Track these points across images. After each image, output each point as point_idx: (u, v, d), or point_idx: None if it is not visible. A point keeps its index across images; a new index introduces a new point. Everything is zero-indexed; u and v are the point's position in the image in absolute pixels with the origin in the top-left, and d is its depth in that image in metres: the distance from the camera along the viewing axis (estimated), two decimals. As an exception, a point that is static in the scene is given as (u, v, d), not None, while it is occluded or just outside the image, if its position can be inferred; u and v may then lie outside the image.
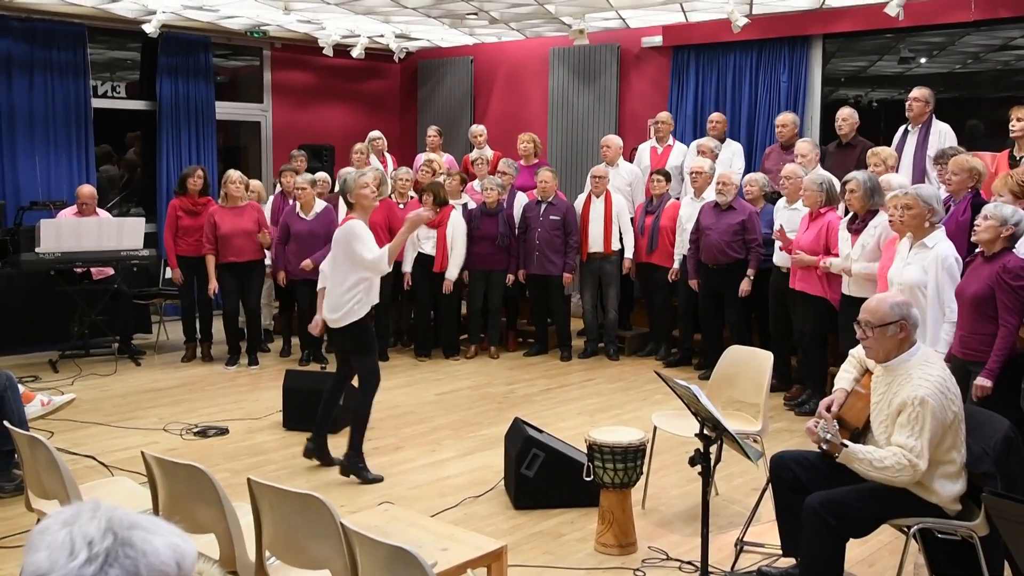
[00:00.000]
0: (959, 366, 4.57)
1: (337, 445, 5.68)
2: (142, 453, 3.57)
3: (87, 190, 8.37)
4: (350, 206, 5.51)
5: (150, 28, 9.08)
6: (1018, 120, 6.28)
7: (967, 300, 4.64)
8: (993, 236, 4.57)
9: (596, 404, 7.10)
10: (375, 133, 10.03)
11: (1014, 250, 4.60)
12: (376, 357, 5.60)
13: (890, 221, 5.67)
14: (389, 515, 3.86)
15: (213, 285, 8.02)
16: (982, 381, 4.50)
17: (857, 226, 6.24)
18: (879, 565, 4.29)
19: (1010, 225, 4.53)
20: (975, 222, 4.76)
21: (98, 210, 8.45)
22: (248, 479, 3.25)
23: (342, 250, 5.40)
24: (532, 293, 8.70)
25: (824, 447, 3.55)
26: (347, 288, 5.34)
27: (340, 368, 5.72)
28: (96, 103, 9.80)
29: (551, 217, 8.34)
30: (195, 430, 6.30)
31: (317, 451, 5.66)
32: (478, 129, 9.76)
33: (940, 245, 5.13)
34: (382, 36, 10.63)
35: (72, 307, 8.26)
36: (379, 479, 5.41)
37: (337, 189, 5.57)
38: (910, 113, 7.19)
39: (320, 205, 8.13)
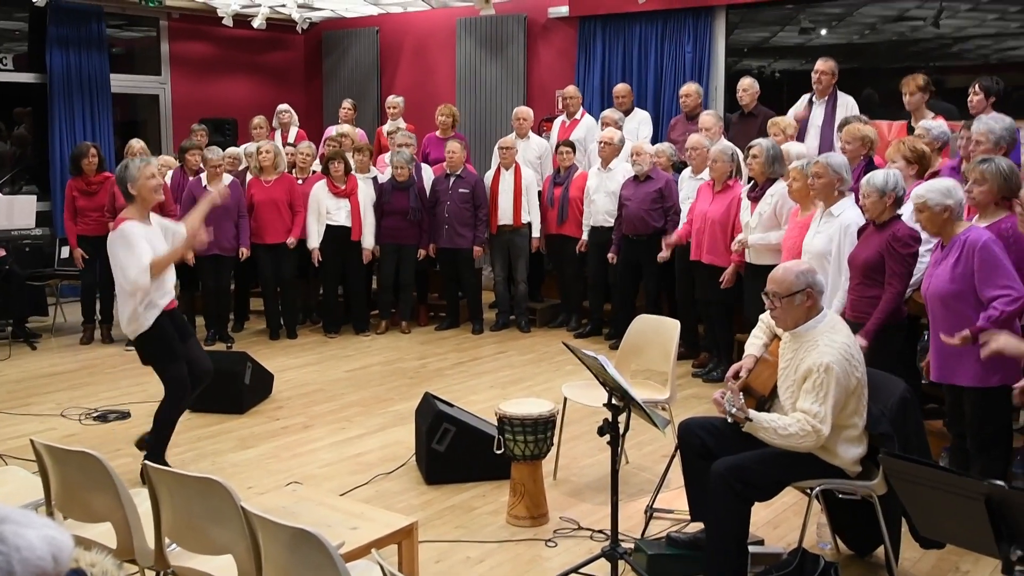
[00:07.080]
0: (851, 328, 4.66)
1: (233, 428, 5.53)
2: (31, 441, 3.43)
3: (-27, 168, 8.00)
4: (129, 199, 4.77)
5: (37, -4, 8.68)
6: (910, 94, 6.47)
7: (858, 266, 4.74)
8: (879, 208, 4.66)
9: (508, 377, 7.10)
10: (283, 106, 9.75)
11: (901, 216, 4.71)
12: (181, 363, 4.89)
13: (789, 191, 5.77)
14: (297, 495, 3.79)
15: None
16: (859, 340, 4.60)
17: (756, 194, 6.35)
18: (784, 526, 4.39)
19: (889, 192, 4.62)
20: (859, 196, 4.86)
21: (-15, 188, 8.09)
22: (143, 464, 3.15)
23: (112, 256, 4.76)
24: (442, 267, 8.63)
25: (729, 420, 3.59)
26: (129, 295, 4.74)
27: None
28: (-19, 76, 9.36)
29: (460, 190, 8.26)
30: (95, 415, 6.11)
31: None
32: (395, 100, 9.55)
33: (846, 213, 5.19)
34: (284, 6, 10.37)
35: (-40, 290, 7.90)
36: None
37: (116, 177, 4.90)
38: (818, 85, 7.29)
39: (227, 178, 7.90)
